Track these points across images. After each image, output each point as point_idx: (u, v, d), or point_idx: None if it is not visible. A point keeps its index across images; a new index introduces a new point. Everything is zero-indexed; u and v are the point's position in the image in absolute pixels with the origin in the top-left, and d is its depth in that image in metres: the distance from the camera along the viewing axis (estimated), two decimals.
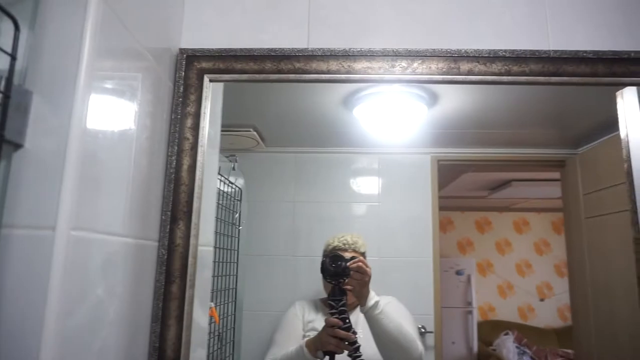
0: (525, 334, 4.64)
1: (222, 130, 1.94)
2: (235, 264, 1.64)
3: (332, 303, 1.32)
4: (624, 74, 0.84)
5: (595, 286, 2.00)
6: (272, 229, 2.14)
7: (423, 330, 2.08)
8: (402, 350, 1.39)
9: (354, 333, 1.30)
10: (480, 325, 4.64)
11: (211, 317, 1.23)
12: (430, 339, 2.08)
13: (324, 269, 1.34)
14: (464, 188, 3.96)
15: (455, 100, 1.63)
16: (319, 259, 1.66)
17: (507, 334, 4.59)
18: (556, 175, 2.91)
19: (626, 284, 1.62)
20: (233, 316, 1.64)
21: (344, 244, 1.56)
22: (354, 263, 1.31)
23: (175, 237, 0.78)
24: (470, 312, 4.46)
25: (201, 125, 0.84)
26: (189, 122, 0.83)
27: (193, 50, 0.88)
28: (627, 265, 1.47)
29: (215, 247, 1.33)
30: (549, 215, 5.10)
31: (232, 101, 1.81)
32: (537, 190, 3.79)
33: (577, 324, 2.18)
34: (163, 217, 0.79)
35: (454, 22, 0.91)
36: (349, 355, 1.31)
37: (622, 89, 1.00)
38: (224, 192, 1.52)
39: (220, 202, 1.49)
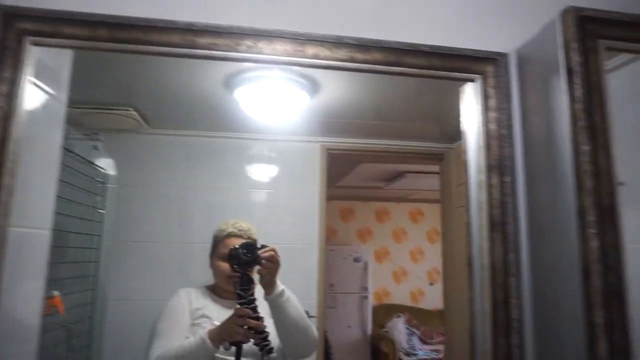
0: (416, 316, 4.98)
1: (95, 108, 1.81)
2: (96, 250, 1.53)
3: (241, 293, 1.28)
4: (456, 69, 0.90)
5: (463, 271, 2.18)
6: (155, 214, 2.04)
7: (307, 315, 2.12)
8: (303, 336, 1.40)
9: (263, 321, 1.28)
10: (375, 309, 4.89)
11: (54, 306, 1.13)
12: (315, 322, 2.13)
13: (234, 257, 1.30)
14: (362, 178, 4.11)
15: (337, 89, 1.66)
16: (206, 246, 1.62)
17: (399, 316, 4.88)
18: None
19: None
20: (91, 305, 1.53)
21: (240, 230, 1.51)
22: (266, 252, 1.29)
23: None
24: (366, 297, 4.68)
25: (18, 93, 0.75)
26: (2, 88, 0.73)
27: (14, 8, 0.78)
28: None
29: (64, 231, 1.22)
30: (440, 211, 5.49)
31: (104, 77, 1.69)
32: (428, 182, 4.05)
33: (447, 305, 2.38)
34: None
35: (302, 6, 0.91)
36: (257, 344, 1.30)
37: (464, 84, 1.08)
38: (83, 174, 1.39)
39: (78, 184, 1.37)
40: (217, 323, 1.40)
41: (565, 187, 0.76)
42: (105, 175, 1.61)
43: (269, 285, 1.31)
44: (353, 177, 4.03)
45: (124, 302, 1.88)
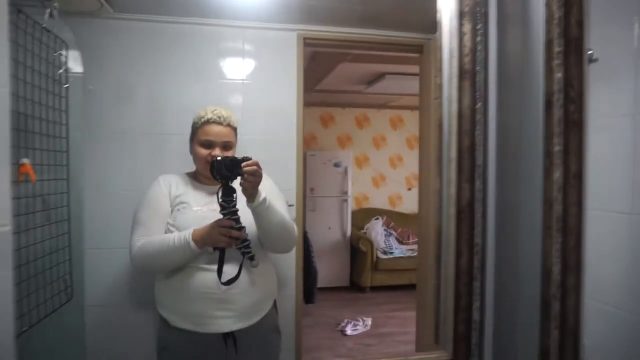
0: (393, 218, 5.20)
1: None
2: (65, 139, 1.49)
3: (224, 204, 1.30)
4: None
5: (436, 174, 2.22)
6: (125, 106, 1.98)
7: (288, 204, 2.17)
8: (284, 238, 1.46)
9: (244, 230, 1.33)
10: (355, 213, 5.08)
11: (26, 174, 1.12)
12: (293, 211, 2.20)
13: (215, 169, 1.29)
14: (342, 81, 4.03)
15: None
16: (181, 137, 1.58)
17: (377, 218, 5.10)
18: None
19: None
20: (67, 194, 1.52)
21: (219, 117, 1.48)
22: (248, 165, 1.28)
23: None
24: (346, 201, 4.83)
25: None
26: None
27: None
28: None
29: (25, 115, 1.17)
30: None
31: None
32: (408, 85, 4.00)
33: (421, 205, 2.46)
34: None
35: None
36: (238, 249, 1.35)
37: None
38: (39, 41, 1.30)
39: (35, 63, 1.28)
40: (196, 208, 1.44)
41: (535, 24, 0.74)
42: (66, 46, 1.52)
43: (250, 195, 1.33)
44: (332, 80, 3.95)
45: (100, 192, 1.90)
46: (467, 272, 0.87)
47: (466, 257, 0.87)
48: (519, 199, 0.80)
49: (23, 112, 1.20)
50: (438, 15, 0.96)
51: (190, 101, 2.04)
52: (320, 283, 3.91)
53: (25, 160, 1.12)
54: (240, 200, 1.35)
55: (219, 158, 1.32)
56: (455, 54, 0.84)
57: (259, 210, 1.36)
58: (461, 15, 0.84)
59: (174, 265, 1.36)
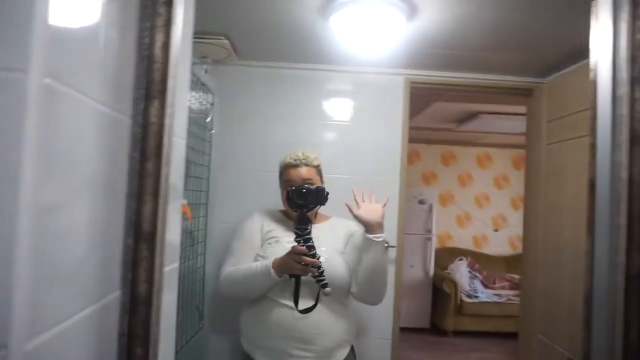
0: (478, 260, 4.99)
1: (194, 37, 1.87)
2: (206, 180, 1.63)
3: (298, 232, 1.38)
4: None
5: (548, 210, 2.14)
6: (243, 145, 2.13)
7: (387, 245, 2.18)
8: (380, 288, 1.52)
9: (318, 258, 1.39)
10: (438, 251, 4.94)
11: (184, 213, 1.24)
12: (393, 252, 2.20)
13: (290, 199, 1.40)
14: (434, 119, 4.02)
15: (435, 13, 1.60)
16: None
17: (461, 259, 4.91)
18: (521, 109, 2.99)
19: (577, 205, 1.74)
20: (204, 230, 1.65)
21: (296, 160, 1.58)
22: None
23: (150, 115, 0.77)
24: (430, 239, 4.72)
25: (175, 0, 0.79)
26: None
27: None
28: (579, 187, 1.56)
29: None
30: (510, 151, 5.31)
31: (201, 4, 1.73)
32: (502, 124, 3.91)
33: (526, 250, 2.36)
34: (136, 94, 0.77)
35: None
36: (313, 277, 1.41)
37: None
38: (195, 98, 1.47)
39: (190, 113, 1.45)
40: (285, 244, 1.49)
41: None
42: (213, 97, 1.68)
43: (373, 226, 1.40)
44: (424, 117, 3.95)
45: (224, 224, 2.02)
46: (634, 347, 0.83)
47: (635, 330, 0.82)
48: None
49: (186, 157, 1.35)
50: (592, 75, 0.94)
51: (299, 140, 2.15)
52: (400, 322, 3.81)
53: (184, 201, 1.25)
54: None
55: (293, 188, 1.41)
56: (627, 120, 0.82)
57: (378, 246, 1.40)
58: (633, 81, 0.83)
59: (255, 293, 1.43)
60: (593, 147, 1.02)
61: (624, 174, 0.83)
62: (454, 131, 4.37)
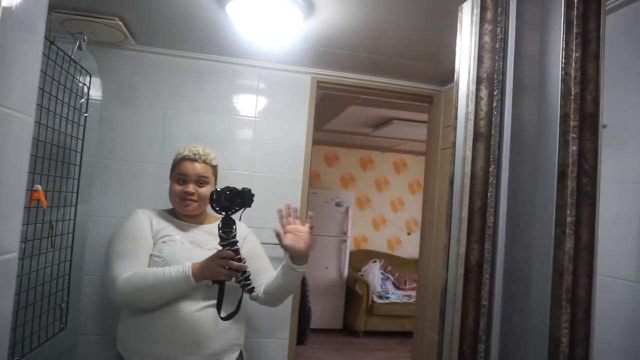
0: (391, 262, 5.15)
1: (76, 14, 1.73)
2: (78, 167, 1.50)
3: (223, 235, 1.30)
4: None
5: (439, 213, 2.24)
6: (136, 135, 2.01)
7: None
8: (285, 298, 1.57)
9: (244, 262, 1.33)
10: (353, 253, 5.04)
11: (38, 200, 1.13)
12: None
13: (216, 200, 1.30)
14: (350, 123, 4.10)
15: (333, 12, 1.61)
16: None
17: (375, 261, 5.05)
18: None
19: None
20: (74, 221, 1.52)
21: (194, 155, 1.50)
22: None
23: None
24: (345, 241, 4.80)
25: None
26: None
27: None
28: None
29: (46, 142, 1.20)
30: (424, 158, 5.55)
31: None
32: (414, 131, 4.07)
33: (422, 252, 2.46)
34: None
35: None
36: (238, 282, 1.35)
37: (463, 2, 1.06)
38: (65, 70, 1.34)
39: (61, 92, 1.32)
40: (180, 242, 1.44)
41: (551, 97, 0.77)
42: (90, 78, 1.56)
43: (302, 259, 1.41)
44: (340, 121, 4.01)
45: (104, 218, 1.89)
46: (473, 333, 0.86)
47: (472, 318, 0.86)
48: (528, 264, 0.80)
49: (42, 139, 1.22)
50: (455, 77, 0.99)
51: (201, 134, 2.08)
52: (313, 324, 3.83)
53: (39, 187, 1.13)
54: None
55: (218, 189, 1.33)
56: (472, 117, 0.86)
57: (297, 275, 1.41)
58: (479, 80, 0.87)
59: (165, 299, 1.32)
60: (453, 145, 1.07)
61: (467, 168, 0.87)
62: (370, 136, 4.49)
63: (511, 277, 0.86)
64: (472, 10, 0.95)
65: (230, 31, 1.80)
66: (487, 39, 0.90)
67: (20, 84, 0.85)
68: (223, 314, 1.33)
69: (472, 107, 0.89)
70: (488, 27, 0.90)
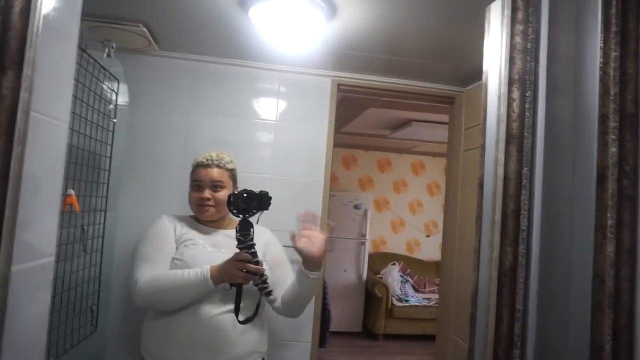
0: (410, 265, 5.11)
1: (103, 21, 1.76)
2: (107, 172, 1.53)
3: (241, 237, 1.30)
4: None
5: (463, 215, 2.22)
6: (160, 139, 2.03)
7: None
8: (303, 308, 1.54)
9: (262, 265, 1.32)
10: (372, 256, 5.02)
11: (71, 205, 1.15)
12: None
13: (232, 203, 1.31)
14: (368, 125, 4.09)
15: (355, 13, 1.61)
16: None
17: (394, 264, 5.01)
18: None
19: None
20: (103, 224, 1.54)
21: (207, 160, 1.51)
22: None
23: (2, 87, 0.70)
24: (364, 244, 4.78)
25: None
26: None
27: None
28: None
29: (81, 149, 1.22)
30: (443, 159, 5.49)
31: None
32: (433, 132, 4.04)
33: (444, 255, 2.43)
34: None
35: None
36: (256, 285, 1.34)
37: (491, 2, 1.05)
38: (95, 77, 1.37)
39: (91, 99, 1.34)
40: (202, 247, 1.44)
41: (588, 97, 0.75)
42: (118, 84, 1.58)
43: (316, 265, 1.39)
44: (358, 123, 4.00)
45: (130, 222, 1.89)
46: (507, 338, 0.85)
47: (507, 322, 0.85)
48: (566, 269, 0.79)
49: (75, 145, 1.25)
50: (484, 78, 0.98)
51: (223, 138, 2.09)
52: (332, 327, 3.82)
53: (72, 192, 1.16)
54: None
55: (235, 192, 1.33)
56: (504, 118, 0.85)
57: (312, 282, 1.40)
58: (510, 82, 0.86)
59: (184, 302, 1.33)
60: (483, 147, 1.06)
61: (500, 171, 0.86)
62: (388, 138, 4.47)
63: (547, 282, 0.84)
64: (502, 10, 0.94)
65: (252, 35, 1.82)
66: (518, 39, 0.89)
67: (56, 92, 0.87)
68: (241, 318, 1.33)
69: (503, 109, 0.87)
70: (519, 27, 0.89)
